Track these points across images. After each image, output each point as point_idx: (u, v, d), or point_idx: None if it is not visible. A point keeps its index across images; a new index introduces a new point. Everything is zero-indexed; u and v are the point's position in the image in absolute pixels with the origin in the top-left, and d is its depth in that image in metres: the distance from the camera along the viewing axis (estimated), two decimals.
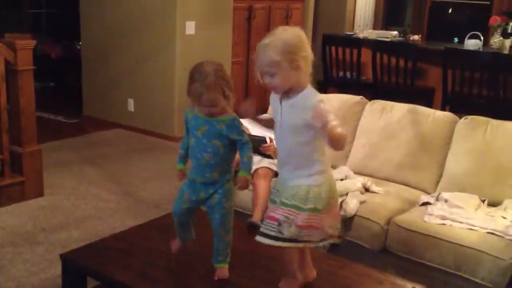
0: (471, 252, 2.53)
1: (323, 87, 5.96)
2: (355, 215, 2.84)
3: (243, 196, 3.16)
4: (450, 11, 8.97)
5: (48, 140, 4.95)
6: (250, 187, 3.13)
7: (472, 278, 2.53)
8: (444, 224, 2.70)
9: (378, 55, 5.63)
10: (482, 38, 5.73)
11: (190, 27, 5.37)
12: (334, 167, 3.27)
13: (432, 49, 5.90)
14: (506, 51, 5.53)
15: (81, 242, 2.94)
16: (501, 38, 5.72)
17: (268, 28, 6.34)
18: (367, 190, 3.06)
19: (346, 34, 6.86)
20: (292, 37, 1.87)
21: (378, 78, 5.71)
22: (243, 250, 2.32)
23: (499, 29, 5.76)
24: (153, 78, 5.51)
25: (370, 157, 3.35)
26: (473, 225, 2.67)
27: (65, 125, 5.98)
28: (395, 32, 6.61)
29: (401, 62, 5.46)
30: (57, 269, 2.68)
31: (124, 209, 3.78)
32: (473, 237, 2.59)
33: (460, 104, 5.09)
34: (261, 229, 1.97)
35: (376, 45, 5.78)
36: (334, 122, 1.79)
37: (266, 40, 1.87)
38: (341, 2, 7.97)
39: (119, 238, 2.51)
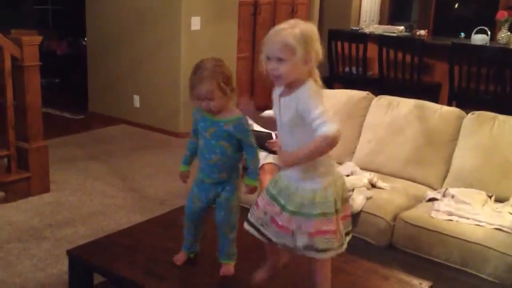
0: (478, 248, 2.52)
1: (328, 82, 5.92)
2: (361, 211, 2.82)
3: None
4: (456, 5, 8.92)
5: (53, 136, 4.96)
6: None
7: (479, 274, 2.51)
8: (450, 220, 2.69)
9: (384, 50, 5.61)
10: (489, 33, 5.70)
11: (196, 23, 5.36)
12: (340, 163, 3.26)
13: (438, 44, 5.87)
14: None
15: (87, 238, 2.95)
16: (508, 32, 5.69)
17: (273, 23, 6.28)
18: (373, 186, 3.04)
19: (352, 29, 6.84)
20: (309, 29, 1.80)
21: (384, 73, 5.69)
22: (249, 245, 2.31)
23: (506, 24, 5.73)
24: (158, 74, 5.51)
25: (376, 152, 3.33)
26: (480, 221, 2.65)
27: (70, 121, 6.00)
28: (402, 27, 6.58)
29: (408, 58, 5.44)
30: (64, 265, 2.69)
31: (130, 205, 3.79)
32: (479, 233, 2.58)
33: (467, 100, 5.06)
34: (275, 238, 1.91)
35: (382, 40, 5.76)
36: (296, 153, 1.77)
37: (283, 25, 1.80)
38: None
39: (125, 234, 2.51)
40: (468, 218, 2.68)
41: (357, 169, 3.20)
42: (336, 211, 1.86)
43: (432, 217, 2.72)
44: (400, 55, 5.47)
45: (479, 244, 2.52)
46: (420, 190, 3.08)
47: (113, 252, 2.31)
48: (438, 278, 2.51)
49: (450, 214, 2.72)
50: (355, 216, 2.82)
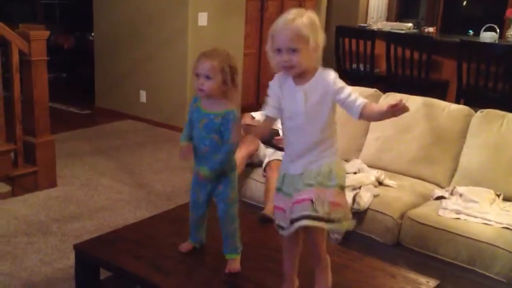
0: (486, 247, 2.50)
1: None
2: (368, 208, 2.81)
3: (256, 189, 3.16)
4: (464, 3, 8.88)
5: (60, 131, 4.97)
6: (263, 179, 3.13)
7: (486, 273, 2.50)
8: (458, 218, 2.67)
9: (392, 47, 5.58)
10: (498, 30, 5.66)
11: (203, 18, 5.35)
12: (347, 160, 3.25)
13: (447, 41, 5.84)
14: None
15: (93, 233, 2.95)
16: None
17: None
18: (380, 183, 3.03)
19: (359, 25, 6.81)
20: (313, 16, 1.82)
21: (392, 70, 5.67)
22: (255, 242, 2.31)
23: None
24: (165, 69, 5.51)
25: (383, 150, 3.32)
26: (488, 220, 2.63)
27: (77, 116, 6.01)
28: (410, 24, 6.55)
29: (416, 55, 5.41)
30: (70, 259, 2.70)
31: (136, 200, 3.79)
32: (488, 232, 2.56)
33: (475, 98, 5.03)
34: (295, 215, 1.84)
35: (390, 37, 5.73)
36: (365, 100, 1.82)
37: (289, 16, 1.80)
38: None
39: (132, 229, 2.51)
40: (476, 217, 2.66)
41: (365, 166, 3.19)
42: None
43: (440, 216, 2.71)
44: (408, 52, 5.44)
45: (487, 243, 2.51)
46: (428, 188, 3.06)
47: (119, 247, 2.31)
48: (445, 277, 2.50)
49: (458, 212, 2.70)
50: (362, 214, 2.81)
